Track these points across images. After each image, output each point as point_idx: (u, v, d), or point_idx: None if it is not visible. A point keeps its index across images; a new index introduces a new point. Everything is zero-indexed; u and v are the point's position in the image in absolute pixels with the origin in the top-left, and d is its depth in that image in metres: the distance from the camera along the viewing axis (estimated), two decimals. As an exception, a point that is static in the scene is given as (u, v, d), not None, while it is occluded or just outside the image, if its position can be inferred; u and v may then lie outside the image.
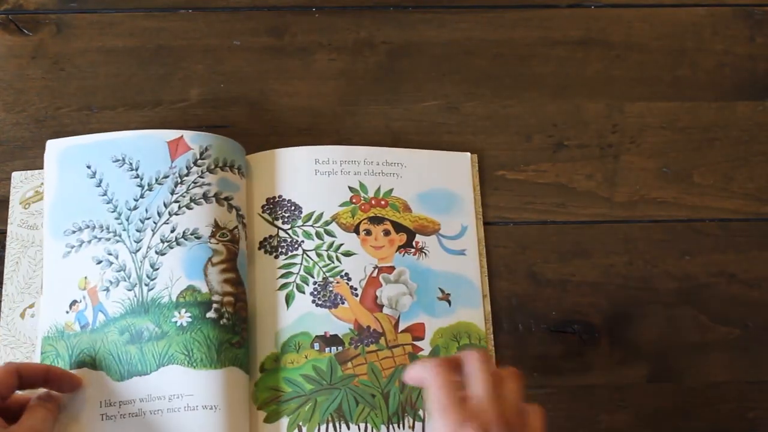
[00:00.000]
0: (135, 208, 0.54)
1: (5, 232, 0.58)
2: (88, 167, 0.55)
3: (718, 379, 0.58)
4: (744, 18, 0.67)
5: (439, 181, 0.60)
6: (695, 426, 0.57)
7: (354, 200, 0.59)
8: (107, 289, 0.52)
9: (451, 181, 0.60)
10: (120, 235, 0.54)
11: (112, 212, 0.54)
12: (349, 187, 0.59)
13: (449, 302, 0.57)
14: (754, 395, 0.58)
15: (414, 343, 0.55)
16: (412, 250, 0.58)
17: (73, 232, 0.54)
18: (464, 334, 0.56)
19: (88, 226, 0.54)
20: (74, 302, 0.53)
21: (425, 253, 0.58)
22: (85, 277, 0.53)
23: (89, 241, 0.54)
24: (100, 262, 0.53)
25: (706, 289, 0.60)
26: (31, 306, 0.56)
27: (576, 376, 0.57)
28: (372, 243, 0.58)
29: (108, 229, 0.54)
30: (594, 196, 0.62)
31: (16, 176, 0.60)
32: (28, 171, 0.60)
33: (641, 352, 0.58)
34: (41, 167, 0.59)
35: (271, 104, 0.63)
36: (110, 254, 0.53)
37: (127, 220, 0.54)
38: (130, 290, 0.52)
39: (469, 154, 0.62)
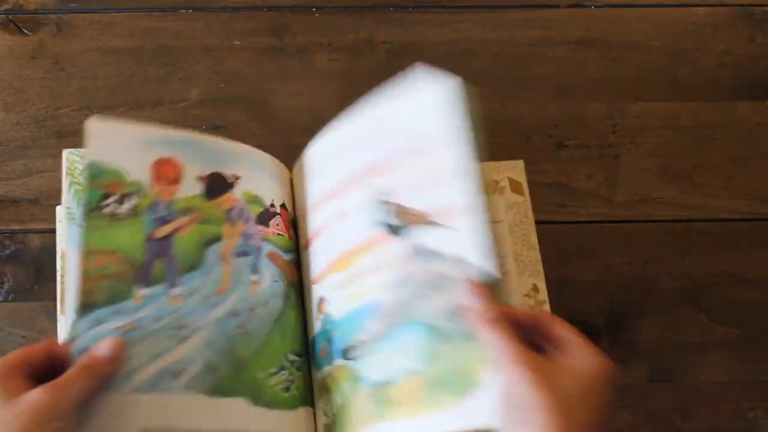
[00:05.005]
0: None
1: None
2: None
3: (718, 379, 0.58)
4: (744, 18, 0.67)
5: None
6: (695, 426, 0.57)
7: None
8: None
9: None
10: None
11: None
12: None
13: None
14: (754, 395, 0.58)
15: None
16: None
17: None
18: None
19: None
20: None
21: None
22: None
23: None
24: None
25: (706, 289, 0.60)
26: None
27: (576, 376, 0.57)
28: None
29: None
30: (594, 196, 0.62)
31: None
32: None
33: (641, 352, 0.58)
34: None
35: (272, 104, 0.63)
36: None
37: None
38: None
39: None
